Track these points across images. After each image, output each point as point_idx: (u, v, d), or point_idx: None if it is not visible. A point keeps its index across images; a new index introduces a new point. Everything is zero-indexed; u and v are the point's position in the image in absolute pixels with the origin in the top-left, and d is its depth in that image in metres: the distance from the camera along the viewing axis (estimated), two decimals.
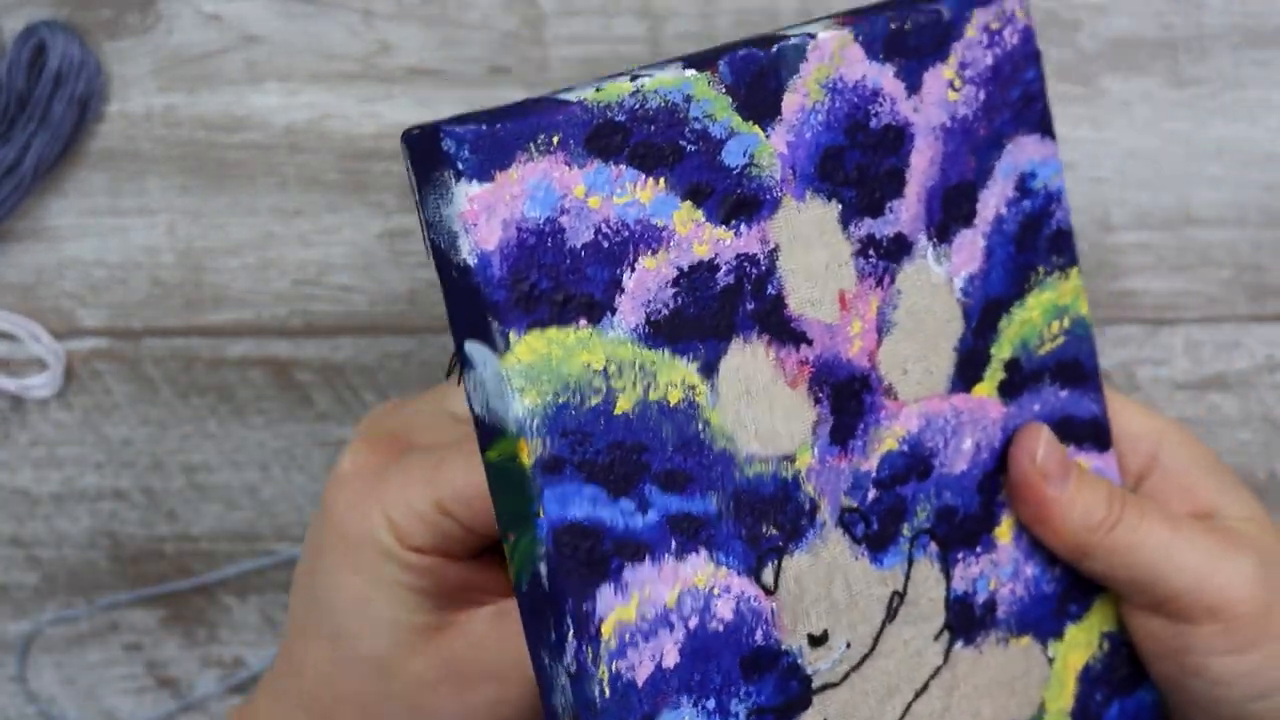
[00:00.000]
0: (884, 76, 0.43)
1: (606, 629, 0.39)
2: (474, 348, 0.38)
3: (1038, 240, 0.46)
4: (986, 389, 0.45)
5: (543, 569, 0.39)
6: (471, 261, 0.37)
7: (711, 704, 0.41)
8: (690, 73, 0.40)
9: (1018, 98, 0.45)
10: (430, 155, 0.37)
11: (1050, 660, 0.47)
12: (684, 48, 0.55)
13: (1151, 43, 0.56)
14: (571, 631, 0.39)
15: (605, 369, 0.39)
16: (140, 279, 0.56)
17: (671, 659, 0.41)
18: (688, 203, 0.40)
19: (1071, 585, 0.47)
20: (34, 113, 0.54)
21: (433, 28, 0.55)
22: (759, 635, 0.42)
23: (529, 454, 0.38)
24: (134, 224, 0.56)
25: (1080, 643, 0.48)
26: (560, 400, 0.38)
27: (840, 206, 0.43)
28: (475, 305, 0.38)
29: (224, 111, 0.56)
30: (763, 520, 0.42)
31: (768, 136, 0.41)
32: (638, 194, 0.40)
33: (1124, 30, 0.56)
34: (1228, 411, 0.58)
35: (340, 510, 0.44)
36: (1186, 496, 0.47)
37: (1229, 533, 0.46)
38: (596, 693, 0.39)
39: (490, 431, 0.39)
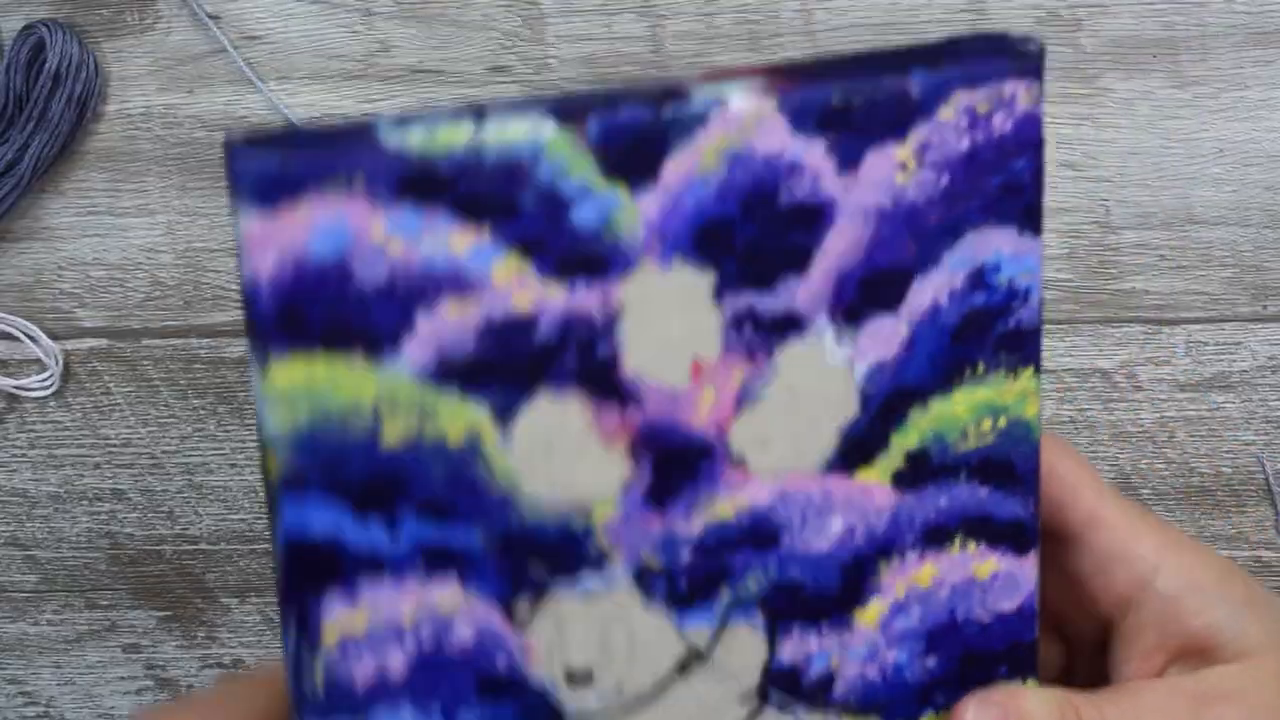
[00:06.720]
0: (809, 152, 0.39)
1: (329, 635, 0.39)
2: (250, 353, 0.37)
3: (985, 336, 0.42)
4: (876, 475, 0.43)
5: (278, 566, 0.39)
6: (247, 279, 0.36)
7: (437, 714, 0.41)
8: (549, 126, 0.36)
9: (996, 186, 0.41)
10: (227, 166, 0.35)
11: None
12: (685, 47, 0.55)
13: (1153, 42, 0.56)
14: (294, 628, 0.39)
15: (375, 405, 0.37)
16: (139, 279, 0.56)
17: (397, 670, 0.40)
18: (514, 255, 0.37)
19: (944, 680, 0.45)
20: (32, 112, 0.54)
21: (433, 28, 0.55)
22: (500, 663, 0.41)
23: (274, 468, 0.37)
24: (133, 224, 0.56)
25: None
26: (315, 427, 0.37)
27: (716, 277, 0.39)
28: (249, 318, 0.36)
29: (223, 111, 0.55)
30: (532, 560, 0.40)
31: (635, 200, 0.37)
32: (450, 242, 0.37)
33: (1126, 29, 0.55)
34: (1230, 412, 0.58)
35: None
36: (1177, 629, 0.44)
37: (1203, 698, 0.43)
38: (309, 688, 0.39)
39: (258, 428, 0.38)
